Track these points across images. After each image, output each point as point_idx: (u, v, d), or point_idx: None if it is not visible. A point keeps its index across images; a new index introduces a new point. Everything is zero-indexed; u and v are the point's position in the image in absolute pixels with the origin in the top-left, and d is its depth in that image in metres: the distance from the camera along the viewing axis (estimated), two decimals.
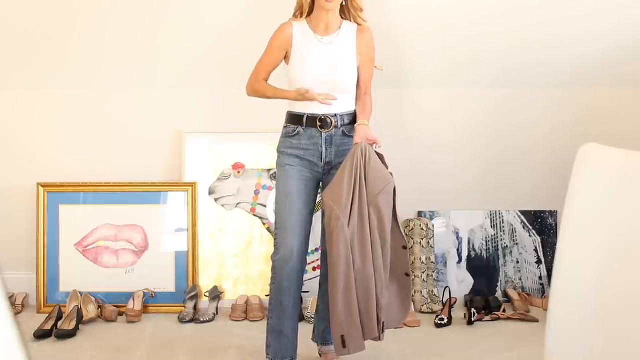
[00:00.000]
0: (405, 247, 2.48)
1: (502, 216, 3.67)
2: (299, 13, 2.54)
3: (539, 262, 3.65)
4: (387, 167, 2.45)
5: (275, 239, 2.48)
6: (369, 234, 2.36)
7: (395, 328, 3.12)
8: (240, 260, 3.52)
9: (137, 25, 3.27)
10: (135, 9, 3.18)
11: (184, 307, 3.33)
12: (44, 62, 3.41)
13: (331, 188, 2.39)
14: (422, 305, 3.42)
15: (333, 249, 2.33)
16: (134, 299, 3.33)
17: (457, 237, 3.66)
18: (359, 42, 2.52)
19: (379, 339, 2.42)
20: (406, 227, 3.60)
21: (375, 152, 2.43)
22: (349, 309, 2.33)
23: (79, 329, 3.09)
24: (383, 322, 2.40)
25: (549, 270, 3.61)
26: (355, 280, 2.33)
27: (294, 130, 2.49)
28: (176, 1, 3.18)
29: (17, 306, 3.41)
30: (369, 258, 2.35)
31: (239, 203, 3.53)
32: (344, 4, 2.51)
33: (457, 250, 3.65)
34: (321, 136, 2.47)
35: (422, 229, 3.55)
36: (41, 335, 2.97)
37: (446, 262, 3.63)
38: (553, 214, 3.68)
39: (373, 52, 2.56)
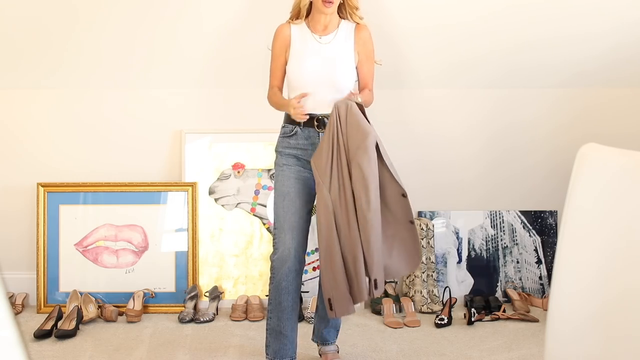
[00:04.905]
0: (404, 195, 2.43)
1: (502, 216, 3.67)
2: (295, 16, 2.54)
3: (539, 262, 3.66)
4: (368, 121, 2.38)
5: (273, 239, 2.49)
6: (352, 195, 2.32)
7: (394, 328, 3.13)
8: (240, 260, 3.52)
9: (137, 26, 3.27)
10: (135, 9, 3.18)
11: (184, 307, 3.33)
12: (45, 61, 3.41)
13: (316, 152, 2.39)
14: (422, 305, 3.42)
15: (317, 214, 2.35)
16: (134, 299, 3.33)
17: (457, 237, 3.66)
18: (357, 41, 2.53)
19: (372, 296, 2.36)
20: None
21: (357, 104, 2.38)
22: (332, 273, 2.32)
23: (79, 329, 3.09)
24: (375, 280, 2.33)
25: (549, 270, 3.61)
26: (343, 245, 2.32)
27: (292, 130, 2.50)
28: (176, 1, 3.18)
29: (17, 306, 3.41)
30: (353, 220, 2.31)
31: (239, 203, 3.53)
32: (341, 2, 2.51)
33: (457, 250, 3.65)
34: (318, 136, 2.48)
35: (422, 229, 3.55)
36: (41, 335, 2.97)
37: (446, 262, 3.63)
38: (553, 214, 3.68)
39: (371, 49, 2.56)
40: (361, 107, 2.38)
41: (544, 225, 3.67)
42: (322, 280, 2.37)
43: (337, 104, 2.36)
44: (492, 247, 3.66)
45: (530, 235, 3.66)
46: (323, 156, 2.34)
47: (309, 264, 3.46)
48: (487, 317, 3.27)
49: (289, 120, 2.53)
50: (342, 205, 2.33)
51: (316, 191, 2.39)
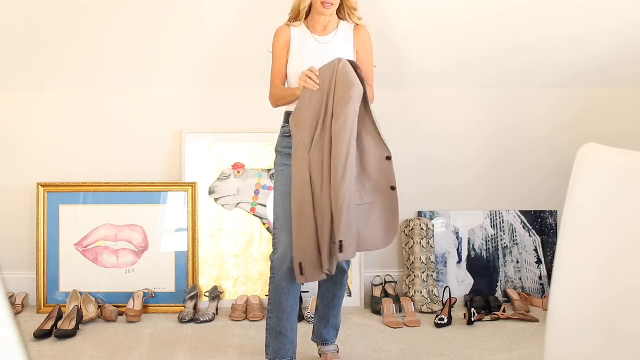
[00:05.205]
0: (389, 158, 2.38)
1: (502, 216, 3.67)
2: (294, 18, 2.54)
3: (539, 262, 3.65)
4: (360, 79, 2.34)
5: (273, 239, 2.49)
6: (330, 155, 2.27)
7: (394, 328, 3.13)
8: (240, 260, 3.52)
9: (138, 26, 3.26)
10: (138, 10, 3.18)
11: (184, 307, 3.33)
12: (45, 62, 3.41)
13: (296, 110, 2.35)
14: (422, 305, 3.42)
15: (293, 174, 2.32)
16: (134, 299, 3.33)
17: (457, 237, 3.66)
18: (356, 41, 2.53)
19: (337, 259, 2.28)
20: (406, 227, 3.60)
21: (350, 62, 2.38)
22: (305, 238, 2.28)
23: (79, 329, 3.09)
24: (340, 241, 2.22)
25: (549, 270, 3.61)
26: (315, 211, 2.28)
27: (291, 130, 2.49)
28: (177, 2, 3.18)
29: (17, 306, 3.41)
30: (326, 184, 2.26)
31: (239, 203, 3.53)
32: (339, 3, 2.52)
33: (457, 250, 3.65)
34: None
35: (422, 229, 3.55)
36: (41, 335, 2.97)
37: (446, 262, 3.63)
38: (553, 214, 3.68)
39: (370, 49, 2.56)
40: (354, 65, 2.36)
41: (544, 225, 3.67)
42: (293, 244, 2.32)
43: (328, 64, 2.35)
44: (492, 247, 3.66)
45: (530, 235, 3.66)
46: (305, 113, 2.30)
47: None
48: (487, 317, 3.27)
49: (288, 120, 2.52)
50: (319, 167, 2.28)
51: (293, 149, 2.34)
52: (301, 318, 3.19)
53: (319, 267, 2.30)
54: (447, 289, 3.47)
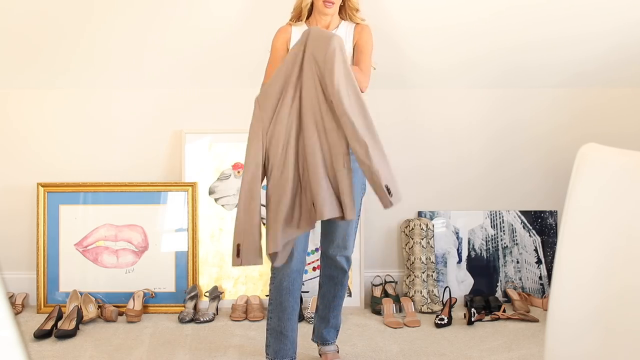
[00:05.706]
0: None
1: (502, 216, 3.67)
2: (295, 18, 2.55)
3: (539, 262, 3.65)
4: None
5: None
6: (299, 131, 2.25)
7: (394, 328, 3.12)
8: None
9: (142, 27, 3.26)
10: (143, 11, 3.17)
11: (184, 307, 3.33)
12: (45, 63, 3.40)
13: (263, 90, 2.32)
14: (422, 305, 3.42)
15: (247, 152, 2.31)
16: (134, 299, 3.33)
17: (457, 237, 3.66)
18: (355, 35, 2.53)
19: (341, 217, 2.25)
20: (406, 227, 3.60)
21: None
22: (250, 219, 2.26)
23: (79, 329, 3.09)
24: (388, 189, 2.22)
25: (549, 270, 3.61)
26: (273, 187, 2.27)
27: None
28: (182, 3, 3.18)
29: (17, 306, 3.41)
30: (290, 158, 2.25)
31: None
32: (341, 4, 2.52)
33: (457, 250, 3.65)
34: None
35: (422, 229, 3.55)
36: (41, 335, 2.97)
37: (446, 262, 3.63)
38: (553, 214, 3.68)
39: (370, 46, 2.54)
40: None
41: (544, 225, 3.67)
42: (235, 224, 2.29)
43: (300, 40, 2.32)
44: (492, 247, 3.66)
45: (530, 235, 3.66)
46: (270, 93, 2.29)
47: (309, 264, 3.46)
48: (487, 317, 3.27)
49: None
50: (279, 146, 2.27)
51: (251, 125, 2.31)
52: (301, 318, 3.20)
53: (259, 251, 2.27)
54: (447, 289, 3.47)
